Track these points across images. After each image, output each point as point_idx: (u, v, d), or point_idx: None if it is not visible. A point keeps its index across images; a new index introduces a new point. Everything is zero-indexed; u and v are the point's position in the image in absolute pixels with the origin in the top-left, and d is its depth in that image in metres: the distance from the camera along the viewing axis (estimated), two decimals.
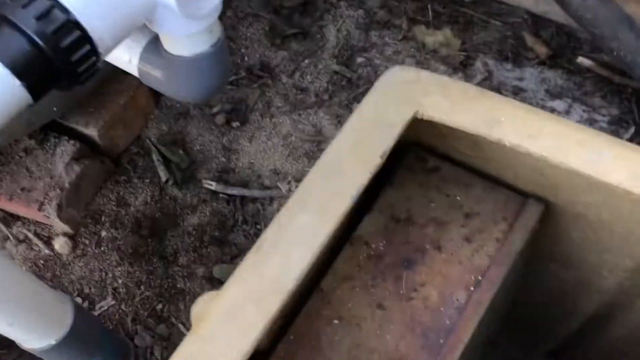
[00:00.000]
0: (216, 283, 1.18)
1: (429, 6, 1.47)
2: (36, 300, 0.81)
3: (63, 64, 0.57)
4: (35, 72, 0.56)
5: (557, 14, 1.38)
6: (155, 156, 1.30)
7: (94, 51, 0.59)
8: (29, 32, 0.54)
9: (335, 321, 0.64)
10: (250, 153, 1.32)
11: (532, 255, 0.78)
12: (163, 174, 1.28)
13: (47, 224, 1.24)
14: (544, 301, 0.89)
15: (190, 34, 0.68)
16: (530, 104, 1.31)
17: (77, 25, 0.56)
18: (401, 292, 0.65)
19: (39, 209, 1.17)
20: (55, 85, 0.60)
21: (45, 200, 1.17)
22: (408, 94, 0.59)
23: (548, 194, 0.66)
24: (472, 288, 0.64)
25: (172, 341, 1.13)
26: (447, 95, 0.58)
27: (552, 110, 1.31)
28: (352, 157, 0.56)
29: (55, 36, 0.55)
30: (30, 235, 1.23)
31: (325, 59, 1.42)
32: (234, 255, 1.21)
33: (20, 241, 1.23)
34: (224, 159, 1.32)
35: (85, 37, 0.57)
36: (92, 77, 0.61)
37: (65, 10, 0.55)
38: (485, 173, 0.70)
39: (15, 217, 1.25)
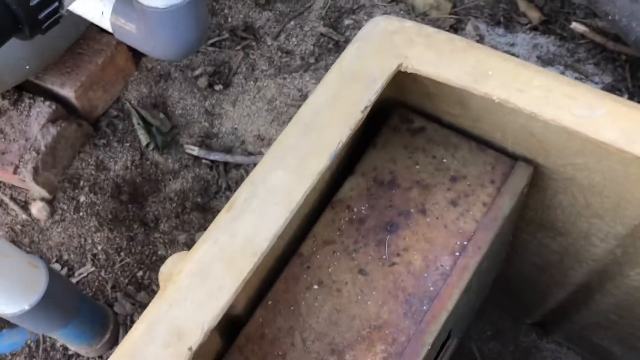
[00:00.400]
0: None
1: None
2: (6, 264, 0.78)
3: (22, 8, 0.53)
4: None
5: None
6: (135, 119, 1.26)
7: None
8: None
9: (315, 286, 0.61)
10: (234, 118, 1.28)
11: (520, 221, 0.76)
12: (143, 138, 1.24)
13: (23, 188, 1.20)
14: (532, 271, 0.87)
15: None
16: None
17: None
18: (384, 257, 0.62)
19: (14, 172, 1.13)
20: (15, 34, 0.56)
21: (21, 163, 1.14)
22: (391, 45, 0.55)
23: (537, 156, 0.63)
24: (457, 253, 0.61)
25: None
26: (432, 46, 0.55)
27: None
28: (332, 112, 0.53)
29: None
30: (6, 199, 1.20)
31: (311, 20, 1.37)
32: None
33: None
34: (206, 124, 1.28)
35: None
36: (54, 26, 0.57)
37: None
38: (473, 134, 0.67)
39: None
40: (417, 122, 0.68)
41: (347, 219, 0.65)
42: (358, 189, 0.66)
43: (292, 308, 0.61)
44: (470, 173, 0.65)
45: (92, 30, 1.22)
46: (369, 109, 0.53)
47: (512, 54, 1.31)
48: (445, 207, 0.64)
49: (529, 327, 1.10)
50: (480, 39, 1.33)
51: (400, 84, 0.63)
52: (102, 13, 0.77)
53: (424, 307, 0.59)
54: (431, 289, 0.60)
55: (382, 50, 0.55)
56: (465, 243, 0.62)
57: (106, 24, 0.78)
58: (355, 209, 0.65)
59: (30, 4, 0.53)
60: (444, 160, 0.66)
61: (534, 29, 1.34)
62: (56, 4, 0.56)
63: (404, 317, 0.59)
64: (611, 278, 0.75)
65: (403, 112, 0.69)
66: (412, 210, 0.64)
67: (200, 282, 0.46)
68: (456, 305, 0.60)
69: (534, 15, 1.34)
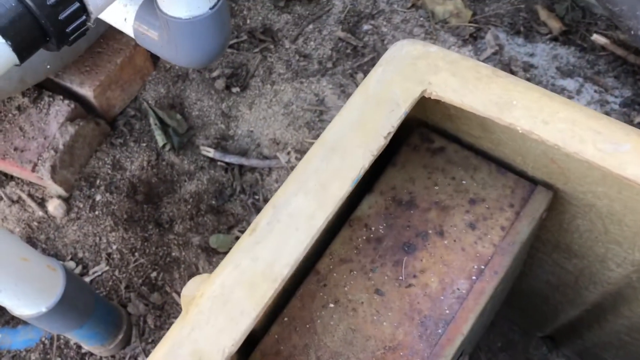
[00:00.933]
0: (212, 253, 1.16)
1: None
2: (25, 267, 0.79)
3: (51, 22, 0.54)
4: (21, 31, 0.53)
5: None
6: (152, 120, 1.27)
7: (83, 9, 0.55)
8: None
9: (331, 305, 0.62)
10: (250, 121, 1.28)
11: (536, 241, 0.76)
12: (160, 139, 1.25)
13: (40, 185, 1.21)
14: (545, 289, 0.87)
15: None
16: (540, 82, 1.27)
17: None
18: (400, 277, 0.62)
19: (33, 170, 1.14)
20: (42, 45, 0.56)
21: (39, 161, 1.15)
22: (416, 70, 0.55)
23: (557, 181, 0.63)
24: (474, 277, 0.61)
25: (165, 310, 1.11)
26: (457, 73, 0.55)
27: (563, 90, 1.27)
28: (355, 136, 0.53)
29: None
30: (24, 196, 1.21)
31: (330, 24, 1.37)
32: (231, 226, 1.19)
33: (13, 202, 1.21)
34: (222, 126, 1.28)
35: None
36: (81, 38, 0.58)
37: None
38: (493, 156, 0.66)
39: (9, 177, 1.22)
40: (438, 142, 0.68)
41: (364, 237, 0.65)
42: (376, 208, 0.66)
43: (307, 326, 0.61)
44: (489, 196, 0.65)
45: (111, 30, 1.23)
46: (392, 134, 0.53)
47: (531, 65, 1.30)
48: (463, 229, 0.64)
49: (539, 340, 1.10)
50: (500, 49, 1.32)
51: (422, 104, 0.63)
52: (125, 19, 0.77)
53: (439, 330, 0.60)
54: (447, 312, 0.60)
55: (406, 75, 0.55)
56: (482, 267, 0.62)
57: (128, 30, 0.78)
58: (373, 228, 0.65)
59: (59, 18, 0.54)
60: (463, 181, 0.66)
61: (554, 39, 1.33)
62: (84, 17, 0.56)
63: (419, 340, 0.59)
64: (626, 301, 0.75)
65: (424, 131, 0.69)
66: (430, 232, 0.64)
67: (222, 305, 0.47)
68: (471, 329, 0.60)
69: (555, 25, 1.33)
